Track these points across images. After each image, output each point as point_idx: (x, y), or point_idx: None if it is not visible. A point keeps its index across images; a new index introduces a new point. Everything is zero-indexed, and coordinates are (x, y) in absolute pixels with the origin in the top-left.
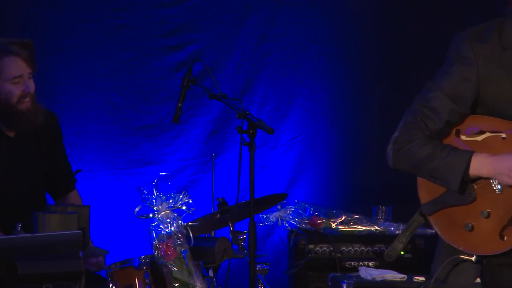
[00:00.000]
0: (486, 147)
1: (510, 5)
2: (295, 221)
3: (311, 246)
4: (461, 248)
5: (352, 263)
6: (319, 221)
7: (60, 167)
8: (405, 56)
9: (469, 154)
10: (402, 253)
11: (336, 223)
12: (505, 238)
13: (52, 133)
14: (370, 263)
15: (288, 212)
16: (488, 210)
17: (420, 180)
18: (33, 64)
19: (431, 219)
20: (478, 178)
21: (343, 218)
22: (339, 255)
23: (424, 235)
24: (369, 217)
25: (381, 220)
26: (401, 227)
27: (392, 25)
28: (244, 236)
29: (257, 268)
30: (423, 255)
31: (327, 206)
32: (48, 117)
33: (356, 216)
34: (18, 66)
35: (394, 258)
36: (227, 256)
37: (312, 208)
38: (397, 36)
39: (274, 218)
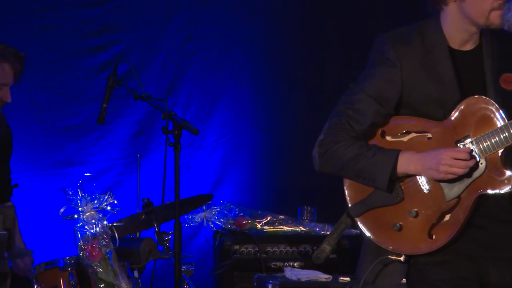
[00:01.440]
0: (412, 147)
1: (432, 5)
2: (220, 221)
3: (237, 247)
4: (390, 249)
5: (278, 264)
6: (244, 222)
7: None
8: (329, 58)
9: (396, 152)
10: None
11: (261, 224)
12: (434, 237)
13: (7, 141)
14: (295, 264)
15: (214, 212)
16: (416, 210)
17: (347, 182)
18: (18, 79)
19: (359, 220)
20: (406, 177)
21: (269, 218)
22: (265, 255)
23: (349, 235)
24: (294, 218)
25: (306, 220)
26: (326, 228)
27: (316, 26)
28: (169, 237)
29: (182, 269)
30: (348, 255)
31: (252, 206)
32: (7, 126)
33: (281, 217)
34: (7, 74)
35: (322, 260)
36: (152, 257)
37: (237, 209)
38: (320, 37)
39: (199, 219)
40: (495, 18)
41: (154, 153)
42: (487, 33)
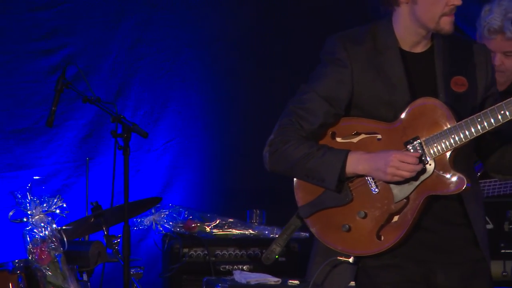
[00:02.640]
0: (362, 148)
1: (384, 6)
2: (169, 225)
3: (186, 250)
4: (338, 250)
5: (227, 267)
6: (193, 225)
7: None
8: (279, 60)
9: (345, 152)
10: (276, 256)
11: (210, 227)
12: (382, 238)
13: None
14: (244, 267)
15: (162, 216)
16: (365, 211)
17: (297, 182)
18: None
19: (308, 221)
20: (356, 177)
21: (218, 221)
22: (214, 258)
23: (298, 238)
24: (243, 221)
25: (255, 223)
26: (275, 231)
27: (265, 28)
28: (118, 240)
29: (131, 272)
30: (297, 258)
31: (201, 209)
32: None
33: (231, 220)
34: None
35: (272, 261)
36: (101, 260)
37: (186, 212)
38: (270, 39)
39: (148, 222)
40: (445, 24)
41: (103, 156)
42: (439, 35)
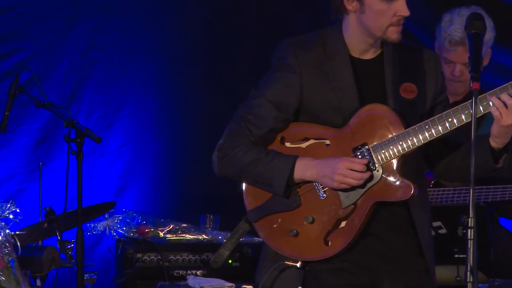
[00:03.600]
0: (311, 154)
1: (335, 13)
2: (123, 230)
3: (139, 255)
4: (286, 254)
5: (180, 272)
6: (147, 230)
7: None
8: (232, 64)
9: (293, 158)
10: (230, 261)
11: (164, 232)
12: (330, 243)
13: None
14: (198, 272)
15: (116, 221)
16: (313, 216)
17: (246, 187)
18: None
19: (256, 225)
20: (304, 183)
21: (171, 227)
22: (167, 264)
23: (252, 243)
24: (197, 226)
25: (209, 229)
26: (228, 236)
27: (219, 33)
28: (72, 245)
29: (85, 277)
30: (251, 263)
31: (155, 215)
32: None
33: (184, 225)
34: None
35: (220, 264)
36: (55, 265)
37: (140, 217)
38: (223, 44)
39: (101, 227)
40: (392, 33)
41: (56, 161)
42: (388, 42)
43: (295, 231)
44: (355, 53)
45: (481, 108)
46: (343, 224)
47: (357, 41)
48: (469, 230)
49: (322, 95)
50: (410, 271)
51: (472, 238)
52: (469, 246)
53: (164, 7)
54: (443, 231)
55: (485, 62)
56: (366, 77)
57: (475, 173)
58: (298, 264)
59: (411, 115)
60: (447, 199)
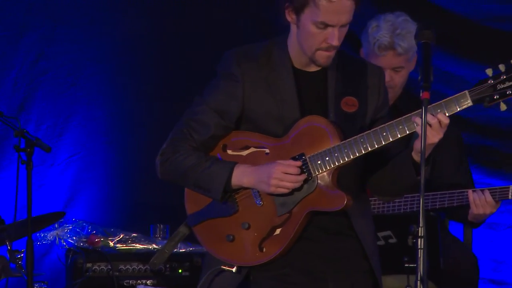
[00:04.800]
0: (251, 162)
1: (283, 17)
2: (72, 239)
3: (89, 265)
4: (222, 259)
5: (130, 282)
6: (97, 240)
7: None
8: (182, 74)
9: (231, 165)
10: (179, 271)
11: (114, 242)
12: (264, 249)
13: None
14: (148, 282)
15: (66, 230)
16: (249, 222)
17: (187, 191)
18: None
19: (195, 230)
20: (242, 189)
21: (121, 236)
22: (117, 273)
23: (201, 253)
24: (147, 236)
25: (159, 238)
26: (178, 245)
27: (168, 42)
28: (22, 254)
29: (35, 287)
30: (200, 272)
31: (105, 224)
32: None
33: (134, 235)
34: None
35: (158, 266)
36: (5, 275)
37: (90, 227)
38: (173, 54)
39: (51, 237)
40: (320, 57)
41: (6, 170)
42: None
43: (231, 236)
44: (298, 65)
45: (406, 129)
46: (278, 231)
47: (298, 53)
48: (419, 240)
49: (264, 105)
50: (353, 271)
51: (422, 247)
52: (419, 255)
53: (113, 17)
54: (393, 240)
55: (412, 68)
56: (308, 89)
57: (399, 187)
58: (234, 269)
59: (350, 129)
60: (393, 208)
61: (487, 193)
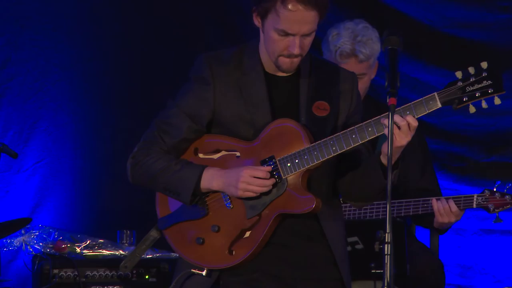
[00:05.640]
0: (222, 165)
1: (255, 22)
2: (39, 245)
3: (56, 271)
4: (192, 262)
5: None
6: (63, 246)
7: None
8: (149, 79)
9: (201, 168)
10: (146, 277)
11: (80, 248)
12: (234, 252)
13: None
14: None
15: (32, 236)
16: (218, 225)
17: (157, 195)
18: None
19: (166, 233)
20: (212, 192)
21: (88, 242)
22: (84, 279)
23: (169, 259)
24: (114, 242)
25: (126, 244)
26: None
27: (134, 47)
28: None
29: None
30: (168, 278)
31: (71, 230)
32: None
33: (101, 241)
34: None
35: (129, 269)
36: None
37: (56, 233)
38: (139, 58)
39: (18, 243)
40: (282, 63)
41: None
42: (305, 60)
43: (201, 239)
44: (269, 70)
45: (375, 131)
46: (247, 234)
47: (267, 57)
48: (385, 245)
49: (235, 109)
50: (323, 279)
51: (389, 253)
52: (386, 262)
53: (79, 23)
54: (359, 246)
55: (373, 75)
56: (280, 93)
57: (369, 191)
58: (203, 273)
59: (321, 133)
60: (360, 214)
61: (451, 202)
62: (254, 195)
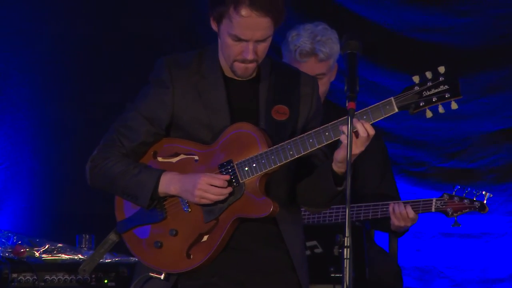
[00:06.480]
0: (180, 169)
1: (212, 26)
2: None
3: (14, 275)
4: (150, 266)
5: None
6: (22, 250)
7: None
8: (109, 82)
9: (159, 172)
10: (105, 281)
11: (39, 252)
12: (192, 256)
13: None
14: None
15: None
16: (176, 229)
17: (116, 199)
18: None
19: (124, 237)
20: (168, 197)
21: (47, 246)
22: (43, 284)
23: (128, 263)
24: (73, 246)
25: (85, 248)
26: (104, 256)
27: (95, 51)
28: None
29: None
30: (126, 282)
31: (30, 234)
32: None
33: (60, 245)
34: None
35: (88, 273)
36: None
37: (15, 237)
38: (100, 62)
39: None
40: (237, 68)
41: None
42: (265, 64)
43: (159, 243)
44: (229, 73)
45: (332, 135)
46: (205, 238)
47: (225, 62)
48: (345, 249)
49: (193, 112)
50: (281, 284)
51: (348, 257)
52: (345, 265)
53: (38, 26)
54: (318, 250)
55: (333, 77)
56: (239, 97)
57: (322, 197)
58: (162, 276)
59: (280, 137)
60: (319, 218)
61: (409, 208)
62: (210, 202)
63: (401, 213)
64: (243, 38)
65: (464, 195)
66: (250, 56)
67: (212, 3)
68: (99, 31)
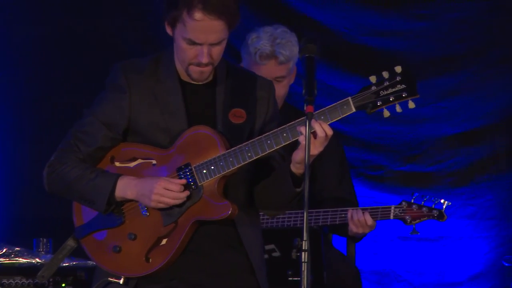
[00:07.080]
0: (138, 173)
1: (167, 30)
2: None
3: None
4: (109, 270)
5: None
6: None
7: None
8: (65, 86)
9: (115, 177)
10: (63, 285)
11: None
12: (150, 260)
13: None
14: None
15: None
16: (135, 233)
17: (74, 204)
18: None
19: (83, 242)
20: (126, 201)
21: (4, 250)
22: (0, 287)
23: (85, 267)
24: (30, 250)
25: (42, 252)
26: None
27: (50, 54)
28: None
29: None
30: (84, 286)
31: None
32: None
33: (17, 249)
34: None
35: (46, 279)
36: None
37: None
38: (55, 66)
39: None
40: (192, 72)
41: None
42: (222, 68)
43: (117, 247)
44: (185, 77)
45: (290, 136)
46: (164, 241)
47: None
48: (303, 253)
49: (150, 116)
50: (240, 287)
51: (306, 261)
52: (303, 269)
53: None
54: (276, 254)
55: (292, 80)
56: (196, 101)
57: (280, 200)
58: (121, 281)
59: (237, 140)
60: (277, 223)
61: (367, 215)
62: (167, 206)
63: (360, 220)
64: (197, 41)
65: (423, 202)
66: (205, 60)
67: (166, 8)
68: (53, 33)
